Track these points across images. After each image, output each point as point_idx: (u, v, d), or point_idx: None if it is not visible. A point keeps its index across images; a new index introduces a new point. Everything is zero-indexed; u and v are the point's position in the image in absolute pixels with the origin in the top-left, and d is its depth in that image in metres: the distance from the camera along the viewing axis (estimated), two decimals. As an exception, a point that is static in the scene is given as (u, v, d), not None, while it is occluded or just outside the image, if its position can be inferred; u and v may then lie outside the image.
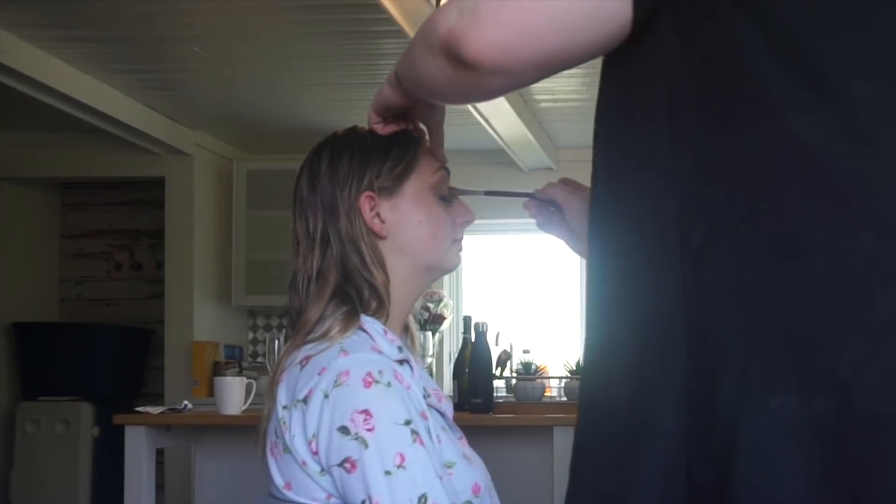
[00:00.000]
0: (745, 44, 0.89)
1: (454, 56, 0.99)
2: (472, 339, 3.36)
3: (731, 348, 0.88)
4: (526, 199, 1.49)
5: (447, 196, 1.52)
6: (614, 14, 0.94)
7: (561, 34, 0.96)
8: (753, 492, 0.87)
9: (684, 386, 0.91)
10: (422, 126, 1.52)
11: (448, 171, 1.53)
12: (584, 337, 1.07)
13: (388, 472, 1.31)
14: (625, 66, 0.99)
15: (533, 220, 1.51)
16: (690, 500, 0.90)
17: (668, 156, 0.93)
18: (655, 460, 0.92)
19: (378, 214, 1.47)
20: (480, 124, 4.83)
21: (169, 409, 3.48)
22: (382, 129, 1.47)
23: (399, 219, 1.48)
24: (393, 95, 1.36)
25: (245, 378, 3.42)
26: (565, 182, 1.47)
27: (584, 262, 1.12)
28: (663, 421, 0.92)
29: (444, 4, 1.03)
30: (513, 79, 1.02)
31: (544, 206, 1.49)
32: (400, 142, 1.49)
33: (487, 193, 1.59)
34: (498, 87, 1.04)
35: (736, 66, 0.90)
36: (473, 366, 3.32)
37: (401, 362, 1.42)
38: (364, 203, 1.46)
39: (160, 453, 4.84)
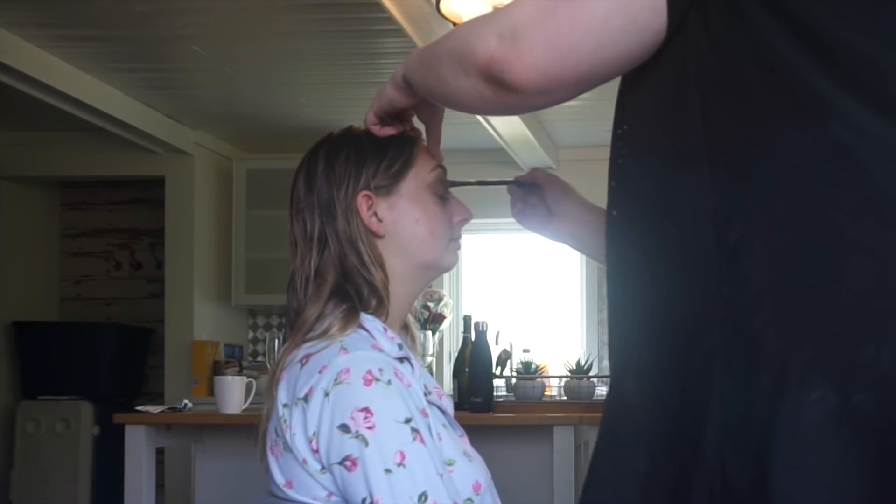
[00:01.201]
0: (776, 45, 0.91)
1: (496, 80, 1.02)
2: (472, 339, 3.36)
3: (769, 343, 0.90)
4: (510, 184, 1.56)
5: (444, 194, 1.52)
6: (648, 25, 0.97)
7: (598, 52, 0.99)
8: (792, 486, 0.88)
9: (720, 382, 0.92)
10: (417, 126, 1.53)
11: (444, 170, 1.53)
12: (610, 336, 1.09)
13: (388, 470, 1.31)
14: (653, 69, 1.01)
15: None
16: (726, 495, 0.91)
17: (703, 157, 0.95)
18: (690, 456, 0.94)
19: (375, 213, 1.47)
20: (480, 123, 4.83)
21: (169, 409, 3.48)
22: (380, 131, 1.47)
23: (396, 217, 1.48)
24: (398, 97, 1.36)
25: (245, 377, 3.42)
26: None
27: (604, 263, 1.14)
28: (699, 415, 0.94)
29: (477, 26, 1.06)
30: (553, 97, 1.05)
31: (527, 192, 1.56)
32: (396, 141, 1.49)
33: (479, 183, 1.64)
34: (537, 106, 1.08)
35: (768, 67, 0.92)
36: (473, 365, 3.32)
37: (401, 360, 1.42)
38: (361, 202, 1.46)
39: (160, 452, 4.84)
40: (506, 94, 1.03)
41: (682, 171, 0.98)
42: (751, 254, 0.92)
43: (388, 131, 1.48)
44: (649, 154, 1.03)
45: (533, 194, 1.57)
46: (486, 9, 3.29)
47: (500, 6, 3.35)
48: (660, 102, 1.01)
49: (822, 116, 0.90)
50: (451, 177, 1.55)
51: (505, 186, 1.61)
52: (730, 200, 0.93)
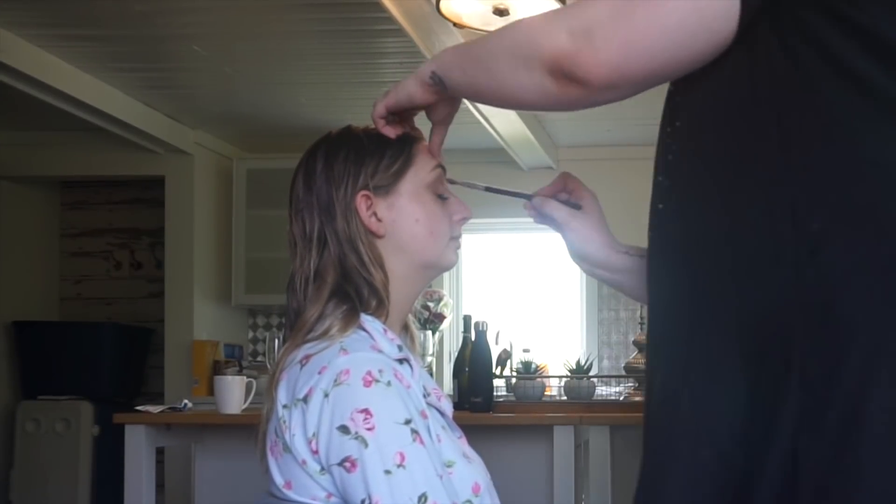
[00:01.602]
0: (842, 52, 0.97)
1: (566, 74, 1.06)
2: (472, 338, 3.36)
3: (859, 323, 0.94)
4: (525, 200, 1.46)
5: (443, 193, 1.52)
6: (720, 29, 1.02)
7: (669, 52, 1.04)
8: (887, 462, 0.92)
9: (801, 365, 0.96)
10: (417, 126, 1.52)
11: (444, 169, 1.53)
12: (654, 330, 1.11)
13: (388, 472, 1.31)
14: (713, 69, 1.05)
15: (531, 219, 1.51)
16: (799, 478, 0.95)
17: (776, 154, 0.99)
18: (761, 440, 0.97)
19: (375, 213, 1.47)
20: (481, 123, 4.83)
21: (169, 408, 3.47)
22: (384, 128, 1.46)
23: (396, 217, 1.47)
24: (421, 94, 1.35)
25: (245, 377, 3.42)
26: (566, 179, 1.45)
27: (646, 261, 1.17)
28: (772, 400, 0.97)
29: (542, 23, 1.10)
30: (618, 93, 1.09)
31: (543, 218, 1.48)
32: (395, 140, 1.49)
33: (488, 189, 1.58)
34: (600, 102, 1.11)
35: (839, 72, 0.97)
36: (473, 365, 3.32)
37: (401, 361, 1.41)
38: (360, 202, 1.46)
39: (160, 452, 4.84)
40: (572, 88, 1.07)
41: (751, 167, 1.01)
42: (836, 239, 0.96)
43: (392, 131, 1.47)
44: (709, 150, 1.06)
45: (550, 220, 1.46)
46: (485, 8, 3.29)
47: (501, 6, 3.32)
48: (723, 102, 1.05)
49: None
50: (452, 177, 1.55)
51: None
52: (808, 194, 0.97)
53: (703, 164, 1.07)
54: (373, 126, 1.49)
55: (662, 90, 1.18)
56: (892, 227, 0.95)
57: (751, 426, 0.99)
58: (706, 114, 1.08)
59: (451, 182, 1.54)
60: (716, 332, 1.03)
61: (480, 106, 4.54)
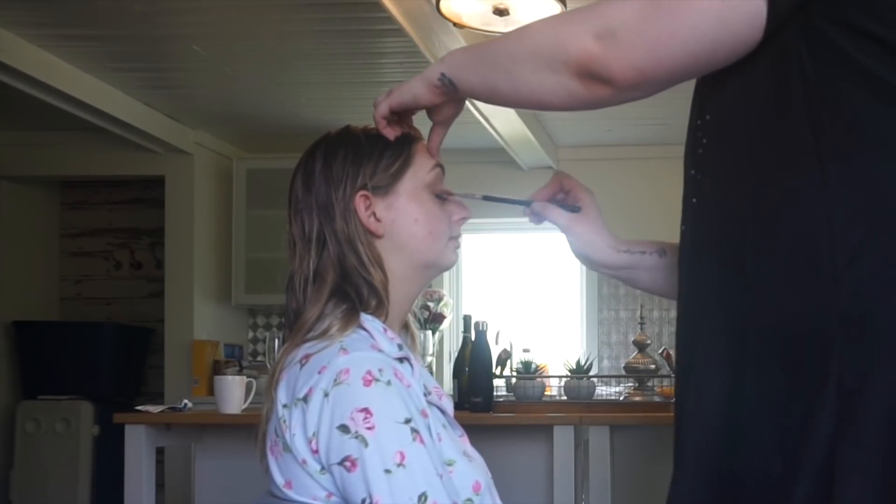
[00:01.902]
0: (872, 64, 0.98)
1: (594, 76, 1.09)
2: (472, 338, 3.36)
3: None
4: (524, 206, 1.47)
5: (442, 193, 1.52)
6: (744, 38, 1.04)
7: (694, 55, 1.06)
8: None
9: (839, 373, 0.98)
10: (416, 126, 1.52)
11: (443, 169, 1.52)
12: (686, 331, 1.12)
13: (388, 471, 1.31)
14: (743, 67, 1.07)
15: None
16: (835, 485, 0.96)
17: (815, 165, 1.01)
18: (796, 447, 0.99)
19: (374, 213, 1.46)
20: (480, 123, 4.83)
21: (169, 408, 3.47)
22: (384, 128, 1.46)
23: (395, 217, 1.47)
24: (427, 95, 1.35)
25: (245, 377, 3.42)
26: (563, 180, 1.47)
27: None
28: (809, 408, 0.99)
29: (565, 26, 1.13)
30: (643, 92, 1.11)
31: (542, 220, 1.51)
32: (394, 140, 1.49)
33: (485, 198, 1.58)
34: (626, 100, 1.13)
35: (870, 83, 0.99)
36: (473, 365, 3.32)
37: (401, 360, 1.41)
38: (359, 202, 1.46)
39: (160, 452, 4.84)
40: (599, 88, 1.10)
41: (786, 173, 1.03)
42: (875, 253, 0.98)
43: (393, 132, 1.46)
44: (740, 151, 1.08)
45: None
46: (485, 8, 3.29)
47: (501, 6, 3.32)
48: (752, 103, 1.07)
49: None
50: (453, 178, 1.54)
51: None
52: (849, 205, 0.99)
53: (734, 162, 1.09)
54: (372, 126, 1.49)
55: (666, 91, 1.18)
56: None
57: (787, 433, 1.00)
58: (735, 113, 1.10)
59: (449, 194, 1.52)
60: (753, 336, 1.04)
61: (480, 106, 4.54)
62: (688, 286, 1.14)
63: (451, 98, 1.36)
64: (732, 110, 1.10)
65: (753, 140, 1.07)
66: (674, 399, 1.16)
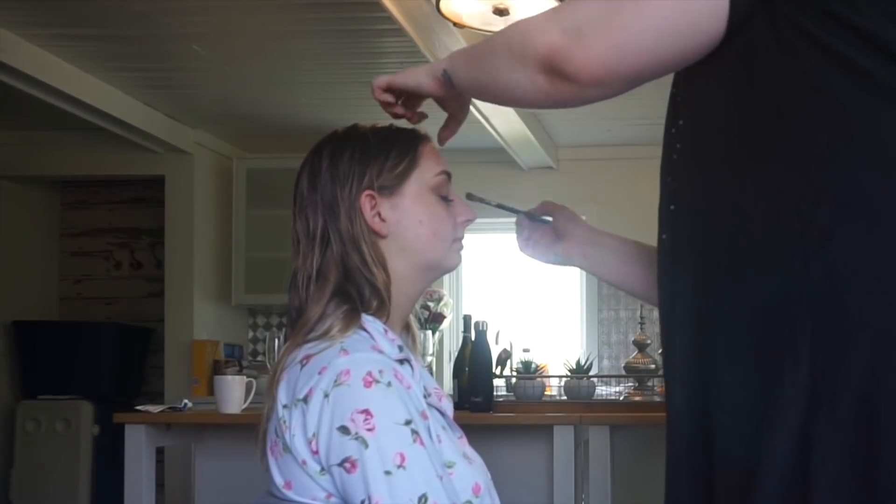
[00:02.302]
0: (848, 53, 0.98)
1: (556, 71, 1.09)
2: (472, 338, 3.36)
3: (870, 310, 0.97)
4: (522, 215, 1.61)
5: (447, 195, 1.52)
6: (707, 29, 1.04)
7: (657, 51, 1.07)
8: None
9: (810, 351, 0.98)
10: (423, 128, 1.53)
11: (449, 176, 1.53)
12: (670, 331, 1.13)
13: (388, 472, 1.30)
14: (710, 68, 1.07)
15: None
16: (811, 464, 0.97)
17: (780, 150, 1.02)
18: (783, 425, 0.99)
19: (379, 213, 1.46)
20: (481, 123, 4.83)
21: (169, 408, 3.47)
22: (388, 105, 1.47)
23: (400, 218, 1.47)
24: (430, 86, 1.39)
25: (245, 377, 3.42)
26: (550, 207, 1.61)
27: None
28: (788, 392, 0.99)
29: (537, 21, 1.13)
30: (607, 90, 1.11)
31: (536, 223, 1.62)
32: (401, 140, 1.49)
33: (499, 206, 1.69)
34: (591, 98, 1.13)
35: (845, 70, 0.99)
36: (473, 365, 3.32)
37: (401, 362, 1.41)
38: (364, 202, 1.46)
39: (160, 452, 4.84)
40: (562, 84, 1.09)
41: (754, 162, 1.03)
42: (841, 234, 0.98)
43: (396, 111, 1.48)
44: (712, 149, 1.09)
45: (540, 227, 1.64)
46: (485, 8, 3.29)
47: (501, 6, 3.32)
48: (723, 100, 1.07)
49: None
50: (454, 178, 1.54)
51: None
52: (814, 186, 0.99)
53: (707, 163, 1.09)
54: (380, 125, 1.50)
55: (664, 89, 1.19)
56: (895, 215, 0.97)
57: (762, 415, 1.01)
58: (707, 113, 1.09)
59: (470, 198, 1.59)
60: (730, 330, 1.05)
61: (480, 105, 4.54)
62: (667, 291, 1.15)
63: (451, 93, 1.39)
64: (704, 112, 1.10)
65: (724, 135, 1.07)
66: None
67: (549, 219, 1.62)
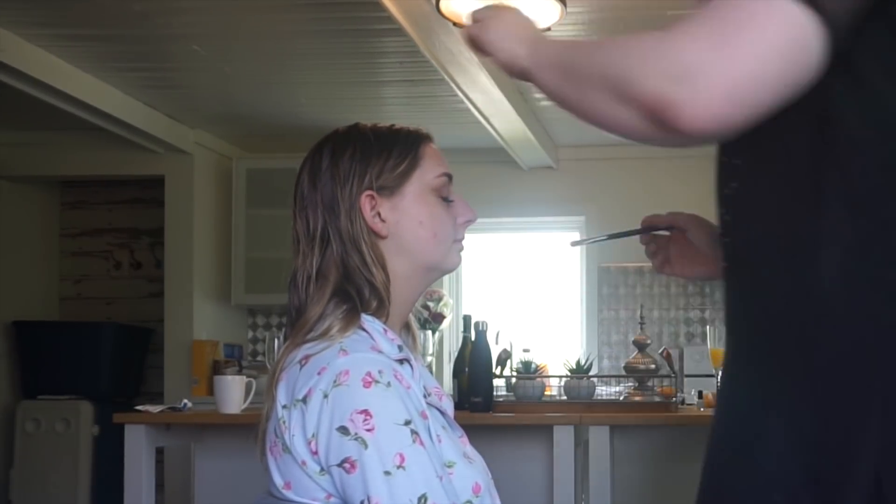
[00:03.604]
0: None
1: (661, 120, 0.99)
2: (472, 338, 3.35)
3: None
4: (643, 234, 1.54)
5: (448, 196, 1.52)
6: (810, 74, 0.98)
7: (766, 101, 0.99)
8: None
9: (885, 399, 1.00)
10: (421, 128, 1.53)
11: (450, 178, 1.52)
12: (735, 364, 1.15)
13: (387, 473, 1.30)
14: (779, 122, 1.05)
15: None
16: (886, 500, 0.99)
17: (845, 206, 1.03)
18: (851, 466, 1.01)
19: (379, 214, 1.46)
20: (480, 123, 4.83)
21: (169, 408, 3.47)
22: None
23: (400, 219, 1.47)
24: (508, 68, 1.27)
25: (245, 377, 3.42)
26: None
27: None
28: (858, 427, 1.01)
29: (638, 59, 1.02)
30: (717, 137, 1.05)
31: (667, 242, 1.54)
32: (402, 140, 1.49)
33: (610, 237, 1.64)
34: (697, 144, 1.05)
35: None
36: (473, 365, 3.31)
37: (401, 362, 1.41)
38: (365, 202, 1.46)
39: (160, 452, 4.84)
40: (667, 133, 1.01)
41: (818, 220, 1.03)
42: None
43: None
44: (774, 190, 1.08)
45: (677, 242, 1.53)
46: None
47: (501, 6, 3.29)
48: (785, 143, 1.05)
49: None
50: (454, 179, 1.54)
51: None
52: (884, 245, 1.01)
53: (764, 205, 1.09)
54: (381, 125, 1.50)
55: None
56: None
57: (827, 457, 1.02)
58: (772, 152, 1.08)
59: (574, 243, 1.59)
60: (799, 371, 1.06)
61: (480, 105, 4.54)
62: (741, 317, 1.16)
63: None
64: (768, 153, 1.08)
65: (789, 180, 1.07)
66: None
67: (667, 232, 1.52)
